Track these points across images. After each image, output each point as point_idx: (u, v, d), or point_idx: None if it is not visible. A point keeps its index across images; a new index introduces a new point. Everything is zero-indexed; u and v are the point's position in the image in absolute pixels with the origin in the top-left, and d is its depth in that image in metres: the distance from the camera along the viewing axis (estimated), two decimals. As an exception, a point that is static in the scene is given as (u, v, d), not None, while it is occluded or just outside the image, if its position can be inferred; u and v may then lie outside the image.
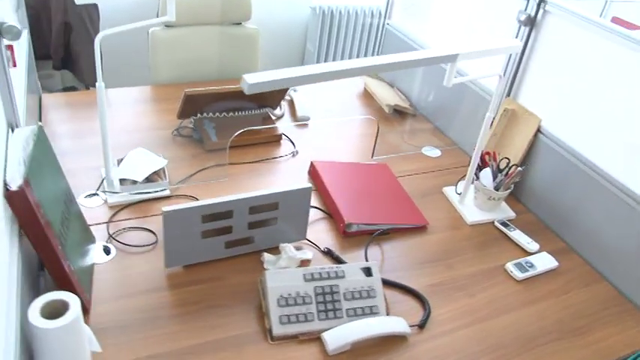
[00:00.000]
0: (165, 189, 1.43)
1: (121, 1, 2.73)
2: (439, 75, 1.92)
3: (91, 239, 1.24)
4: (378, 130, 1.87)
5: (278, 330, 1.07)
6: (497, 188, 1.49)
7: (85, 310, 1.08)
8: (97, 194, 1.40)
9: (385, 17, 2.25)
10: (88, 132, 1.65)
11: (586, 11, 1.39)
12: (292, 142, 1.75)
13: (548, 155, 1.51)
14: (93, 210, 1.35)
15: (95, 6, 2.38)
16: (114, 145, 1.58)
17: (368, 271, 1.18)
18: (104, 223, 1.32)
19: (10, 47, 1.15)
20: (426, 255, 1.37)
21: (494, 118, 1.64)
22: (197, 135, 1.68)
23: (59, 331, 0.82)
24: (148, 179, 1.43)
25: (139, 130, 1.71)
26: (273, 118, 1.84)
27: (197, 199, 1.41)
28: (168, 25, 2.04)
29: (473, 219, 1.49)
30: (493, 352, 1.13)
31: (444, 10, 1.95)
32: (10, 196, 0.91)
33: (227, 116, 1.72)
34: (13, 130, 1.12)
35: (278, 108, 1.89)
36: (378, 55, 1.82)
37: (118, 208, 1.36)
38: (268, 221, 1.24)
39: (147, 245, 1.27)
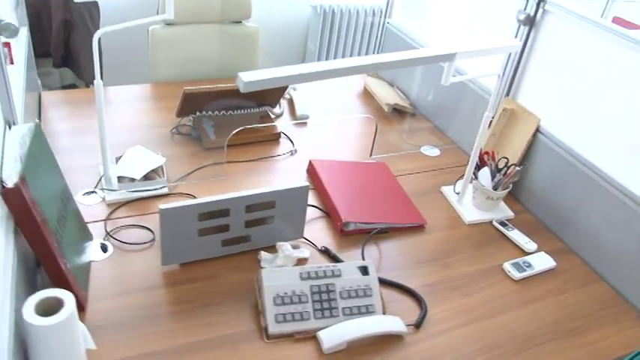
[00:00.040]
0: (163, 187, 1.43)
1: (122, -1, 2.73)
2: (439, 74, 1.91)
3: (89, 237, 1.24)
4: (376, 129, 1.87)
5: (274, 328, 1.07)
6: (495, 188, 1.48)
7: (82, 308, 1.08)
8: (95, 192, 1.40)
9: (385, 16, 2.25)
10: (87, 130, 1.65)
11: (587, 11, 1.39)
12: (291, 140, 1.75)
13: (547, 155, 1.51)
14: (91, 207, 1.35)
15: (95, 4, 2.38)
16: (113, 142, 1.58)
17: (364, 270, 1.18)
18: (102, 220, 1.32)
19: (7, 44, 1.15)
20: (424, 254, 1.36)
21: (493, 118, 1.63)
22: (196, 133, 1.68)
23: (53, 328, 0.82)
24: (146, 177, 1.43)
25: (138, 128, 1.71)
26: (273, 116, 1.84)
27: (195, 197, 1.41)
28: (168, 24, 2.04)
29: (471, 218, 1.49)
30: (489, 352, 1.13)
31: (443, 9, 1.94)
32: (5, 193, 0.91)
33: (226, 115, 1.72)
34: (10, 128, 1.12)
35: (277, 106, 1.89)
36: (378, 54, 1.81)
37: (116, 206, 1.37)
38: (265, 220, 1.24)
39: (144, 243, 1.27)
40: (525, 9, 1.53)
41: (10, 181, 0.91)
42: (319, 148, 1.73)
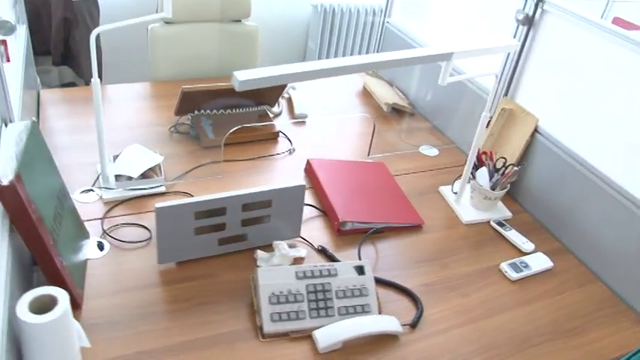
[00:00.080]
0: (160, 185, 1.43)
1: (122, -3, 2.73)
2: (438, 74, 1.90)
3: (85, 235, 1.24)
4: (374, 128, 1.86)
5: (269, 327, 1.07)
6: (493, 188, 1.48)
7: (77, 306, 1.08)
8: (93, 190, 1.40)
9: (385, 15, 2.25)
10: (86, 128, 1.65)
11: (587, 11, 1.38)
12: (289, 139, 1.75)
13: (545, 155, 1.51)
14: (88, 205, 1.35)
15: (95, 2, 2.39)
16: (111, 141, 1.58)
17: (360, 270, 1.18)
18: (99, 219, 1.32)
19: (3, 42, 1.15)
20: (421, 254, 1.36)
21: (491, 118, 1.63)
22: (194, 132, 1.68)
23: (47, 326, 0.82)
24: (144, 175, 1.43)
25: (137, 126, 1.71)
26: (271, 115, 1.84)
27: (192, 196, 1.41)
28: (167, 22, 2.04)
29: (469, 218, 1.49)
30: (486, 352, 1.13)
31: (443, 8, 1.94)
32: (0, 190, 0.91)
33: (224, 113, 1.72)
34: (6, 125, 1.12)
35: (276, 105, 1.88)
36: (377, 53, 1.81)
37: (113, 204, 1.37)
38: (262, 219, 1.24)
39: (141, 241, 1.27)
40: (524, 9, 1.52)
41: (5, 178, 0.91)
42: (317, 148, 1.73)
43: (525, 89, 1.59)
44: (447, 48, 1.18)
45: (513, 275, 1.32)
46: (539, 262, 1.38)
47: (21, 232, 0.96)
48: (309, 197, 1.50)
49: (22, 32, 1.66)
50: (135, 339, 1.04)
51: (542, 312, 1.25)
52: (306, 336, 1.09)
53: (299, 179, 1.56)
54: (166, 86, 1.98)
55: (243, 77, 0.87)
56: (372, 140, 1.78)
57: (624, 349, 1.18)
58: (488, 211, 1.52)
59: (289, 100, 1.99)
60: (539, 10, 1.50)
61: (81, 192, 1.39)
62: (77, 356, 0.92)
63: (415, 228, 1.45)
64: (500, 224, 1.48)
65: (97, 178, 1.43)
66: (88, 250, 1.22)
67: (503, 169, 1.48)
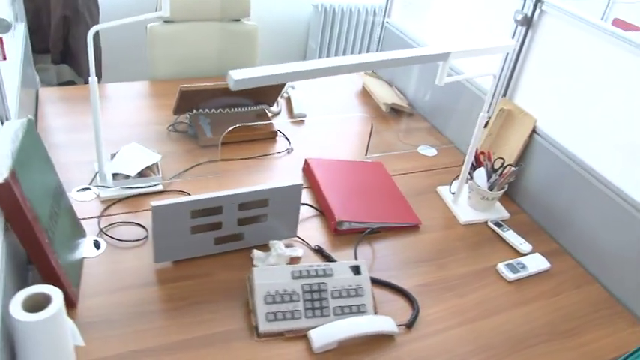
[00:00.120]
0: (157, 184, 1.43)
1: (122, -4, 2.73)
2: (437, 74, 1.91)
3: (82, 233, 1.24)
4: (372, 128, 1.86)
5: (264, 327, 1.07)
6: (491, 188, 1.48)
7: (73, 304, 1.08)
8: (90, 188, 1.40)
9: (385, 15, 2.25)
10: (84, 126, 1.65)
11: (587, 12, 1.38)
12: (287, 139, 1.74)
13: (543, 156, 1.50)
14: (85, 204, 1.35)
15: (95, 0, 2.38)
16: (110, 139, 1.58)
17: (357, 270, 1.17)
18: (96, 217, 1.32)
19: (0, 40, 1.15)
20: (418, 254, 1.36)
21: (489, 118, 1.63)
22: (192, 131, 1.68)
23: (40, 324, 0.82)
24: (141, 174, 1.43)
25: (136, 125, 1.71)
26: (270, 114, 1.84)
27: (189, 195, 1.41)
28: (167, 21, 2.04)
29: (466, 219, 1.49)
30: (482, 353, 1.13)
31: (442, 9, 1.94)
32: (-5, 188, 0.91)
33: (223, 112, 1.72)
34: (2, 123, 1.12)
35: (275, 105, 1.88)
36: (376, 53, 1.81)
37: (110, 203, 1.37)
38: (258, 218, 1.24)
39: (137, 240, 1.27)
40: (523, 9, 1.52)
41: (0, 176, 0.91)
42: (316, 147, 1.73)
43: (524, 90, 1.59)
44: (444, 48, 1.18)
45: (510, 276, 1.32)
46: (536, 262, 1.37)
47: (16, 230, 0.96)
48: (306, 197, 1.49)
49: (20, 30, 1.66)
50: (130, 337, 1.04)
51: (539, 313, 1.25)
52: (302, 336, 1.09)
53: (297, 179, 1.56)
54: (165, 85, 1.98)
55: (238, 76, 0.87)
56: (369, 140, 1.78)
57: (620, 351, 1.18)
58: (485, 212, 1.52)
59: (288, 100, 1.98)
60: (537, 11, 1.49)
61: (78, 190, 1.39)
62: (71, 355, 0.92)
63: (412, 228, 1.44)
64: (497, 225, 1.48)
65: (95, 176, 1.43)
66: (85, 249, 1.22)
67: (501, 169, 1.48)
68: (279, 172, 1.59)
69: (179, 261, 1.23)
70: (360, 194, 1.48)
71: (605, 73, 1.34)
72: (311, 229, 1.38)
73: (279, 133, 1.75)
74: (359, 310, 1.13)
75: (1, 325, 0.83)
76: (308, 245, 1.33)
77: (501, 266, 1.34)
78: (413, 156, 1.77)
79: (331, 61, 0.96)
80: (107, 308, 1.10)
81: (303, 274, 1.13)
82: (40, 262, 1.01)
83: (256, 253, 1.25)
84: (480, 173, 1.49)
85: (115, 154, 1.48)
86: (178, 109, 1.68)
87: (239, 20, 2.14)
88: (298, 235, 1.34)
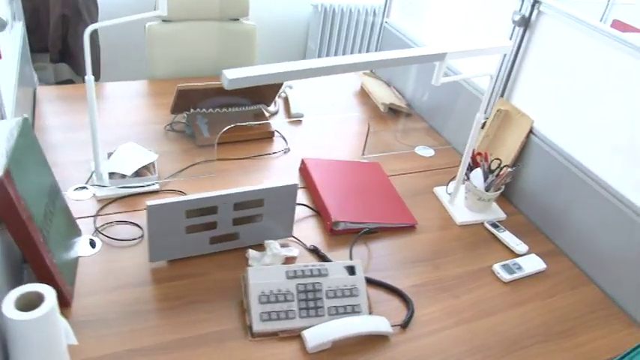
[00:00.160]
0: (154, 184, 1.43)
1: (121, -5, 2.73)
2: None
3: (77, 232, 1.24)
4: (368, 128, 1.86)
5: (258, 327, 1.07)
6: (487, 189, 1.48)
7: (67, 303, 1.08)
8: (86, 187, 1.40)
9: (384, 15, 2.25)
10: (81, 125, 1.65)
11: (586, 14, 1.38)
12: (284, 138, 1.74)
13: (540, 157, 1.50)
14: (81, 203, 1.35)
15: (94, -1, 2.39)
16: (107, 138, 1.58)
17: (351, 270, 1.17)
18: (91, 216, 1.32)
19: (-5, 38, 1.15)
20: (414, 255, 1.36)
21: (487, 119, 1.63)
22: (190, 130, 1.68)
23: (33, 323, 0.82)
24: (137, 173, 1.43)
25: (133, 124, 1.71)
26: (267, 114, 1.84)
27: (185, 194, 1.41)
28: (165, 20, 2.04)
29: (462, 219, 1.49)
30: (477, 354, 1.13)
31: (440, 9, 1.94)
32: (-11, 187, 0.91)
33: (220, 112, 1.72)
34: (-2, 122, 1.12)
35: (273, 105, 1.88)
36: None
37: (106, 202, 1.37)
38: (254, 218, 1.24)
39: (132, 239, 1.27)
40: (520, 10, 1.52)
41: (-5, 175, 0.91)
42: (313, 147, 1.73)
43: (521, 90, 1.59)
44: (440, 48, 1.17)
45: (506, 277, 1.32)
46: (532, 263, 1.37)
47: (10, 229, 0.96)
48: (303, 197, 1.49)
49: (18, 29, 1.67)
50: (125, 337, 1.04)
51: (534, 314, 1.24)
52: (296, 336, 1.09)
53: (293, 179, 1.55)
54: (164, 84, 1.98)
55: (232, 75, 0.87)
56: (366, 140, 1.78)
57: (615, 352, 1.18)
58: (482, 213, 1.52)
59: (286, 100, 1.98)
60: (535, 12, 1.49)
61: (74, 189, 1.39)
62: (64, 354, 0.92)
63: (408, 228, 1.44)
64: (494, 225, 1.48)
65: (91, 175, 1.43)
66: (80, 248, 1.22)
67: (498, 170, 1.47)
68: (276, 171, 1.59)
69: (174, 260, 1.23)
70: (357, 194, 1.48)
71: (603, 75, 1.34)
72: (307, 229, 1.38)
73: (276, 133, 1.75)
74: (353, 311, 1.13)
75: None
76: (304, 245, 1.32)
77: (497, 267, 1.34)
78: (410, 156, 1.77)
79: (325, 61, 0.96)
80: (102, 307, 1.10)
81: (297, 274, 1.13)
82: (35, 261, 1.01)
83: (252, 252, 1.25)
84: (477, 174, 1.49)
85: (111, 153, 1.48)
86: (176, 109, 1.68)
87: (238, 20, 2.14)
88: (294, 235, 1.34)
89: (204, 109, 1.70)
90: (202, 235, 1.21)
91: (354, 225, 1.38)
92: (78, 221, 1.27)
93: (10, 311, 0.82)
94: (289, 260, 1.27)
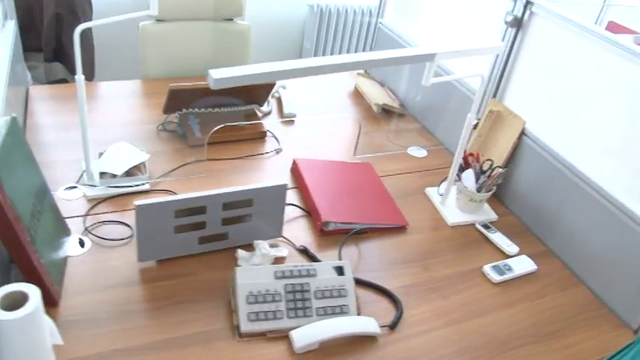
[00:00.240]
0: (144, 183, 1.43)
1: (115, -6, 2.73)
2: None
3: (66, 232, 1.24)
4: (360, 128, 1.86)
5: (246, 327, 1.07)
6: (479, 190, 1.48)
7: (55, 303, 1.08)
8: (77, 187, 1.40)
9: (378, 16, 2.25)
10: (73, 125, 1.65)
11: (580, 15, 1.37)
12: (277, 139, 1.74)
13: (532, 158, 1.50)
14: (72, 202, 1.35)
15: (88, -2, 2.39)
16: (100, 138, 1.58)
17: (340, 270, 1.17)
18: (81, 216, 1.31)
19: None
20: (404, 255, 1.36)
21: (479, 120, 1.63)
22: (182, 130, 1.67)
23: (17, 322, 0.81)
24: (128, 173, 1.42)
25: (126, 123, 1.71)
26: (260, 114, 1.83)
27: (176, 194, 1.41)
28: (159, 20, 2.03)
29: (454, 220, 1.49)
30: (465, 355, 1.13)
31: (434, 10, 1.94)
32: (-25, 186, 0.90)
33: (212, 112, 1.72)
34: (-14, 121, 1.11)
35: (265, 104, 1.88)
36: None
37: (97, 202, 1.36)
38: (243, 218, 1.24)
39: (121, 239, 1.27)
40: (513, 11, 1.52)
41: (-20, 174, 0.90)
42: (305, 147, 1.73)
43: (513, 91, 1.59)
44: (430, 48, 1.17)
45: (496, 278, 1.32)
46: (523, 265, 1.37)
47: (-4, 228, 0.96)
48: (294, 197, 1.49)
49: (10, 27, 1.66)
50: (110, 337, 1.04)
51: (524, 315, 1.24)
52: (284, 336, 1.09)
53: (285, 179, 1.55)
54: (157, 84, 1.98)
55: (218, 75, 0.87)
56: (357, 140, 1.78)
57: (604, 353, 1.17)
58: (473, 214, 1.52)
59: (279, 100, 1.98)
60: (527, 13, 1.49)
61: (65, 189, 1.39)
62: (50, 353, 0.91)
63: (399, 229, 1.44)
64: (485, 227, 1.48)
65: (82, 175, 1.43)
66: (69, 248, 1.22)
67: (490, 171, 1.47)
68: (268, 172, 1.59)
69: (164, 260, 1.23)
70: (348, 195, 1.48)
71: (595, 76, 1.33)
72: (297, 230, 1.38)
73: (268, 133, 1.75)
74: (342, 311, 1.13)
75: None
76: (293, 245, 1.32)
77: (487, 268, 1.34)
78: (403, 157, 1.77)
79: (313, 61, 0.96)
80: (90, 307, 1.09)
81: (286, 275, 1.13)
82: (21, 261, 1.00)
83: (241, 253, 1.25)
84: (469, 175, 1.49)
85: (102, 153, 1.48)
86: (168, 109, 1.67)
87: (232, 20, 2.14)
88: (284, 235, 1.34)
89: (196, 109, 1.70)
90: (191, 235, 1.21)
91: (345, 225, 1.38)
92: (68, 221, 1.27)
93: (-6, 311, 0.81)
94: (279, 260, 1.27)
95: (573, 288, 1.34)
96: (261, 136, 1.73)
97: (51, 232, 1.14)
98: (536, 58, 1.50)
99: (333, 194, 1.46)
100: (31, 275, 1.02)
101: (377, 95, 2.06)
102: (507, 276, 1.33)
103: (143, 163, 1.47)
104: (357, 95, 2.13)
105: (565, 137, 1.43)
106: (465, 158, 1.51)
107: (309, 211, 1.44)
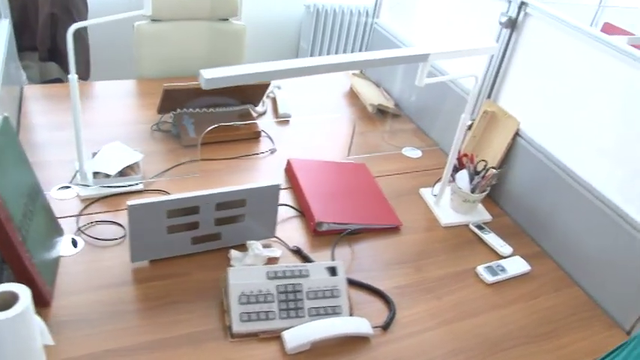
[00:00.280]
0: (137, 183, 1.42)
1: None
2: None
3: (58, 232, 1.23)
4: (354, 128, 1.86)
5: (238, 327, 1.07)
6: (473, 191, 1.48)
7: (46, 303, 1.07)
8: (70, 187, 1.39)
9: (374, 16, 2.25)
10: (67, 124, 1.64)
11: (576, 16, 1.37)
12: (271, 139, 1.74)
13: (526, 159, 1.50)
14: (65, 202, 1.35)
15: (83, -3, 2.38)
16: (94, 138, 1.57)
17: (333, 271, 1.17)
18: (74, 215, 1.31)
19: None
20: (397, 256, 1.36)
21: (473, 120, 1.63)
22: (176, 130, 1.67)
23: (6, 322, 0.81)
24: (122, 173, 1.42)
25: (121, 123, 1.70)
26: (255, 115, 1.83)
27: (169, 194, 1.40)
28: (154, 20, 2.03)
29: (447, 221, 1.49)
30: (458, 355, 1.13)
31: (429, 10, 1.94)
32: (-35, 186, 0.90)
33: (207, 112, 1.71)
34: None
35: (260, 105, 1.88)
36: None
37: (90, 202, 1.36)
38: (236, 218, 1.24)
39: (114, 239, 1.26)
40: (507, 12, 1.52)
41: (-29, 174, 0.90)
42: (300, 148, 1.73)
43: (508, 92, 1.59)
44: (423, 49, 1.17)
45: (489, 278, 1.32)
46: (516, 265, 1.37)
47: (-13, 228, 0.96)
48: (288, 197, 1.49)
49: (4, 27, 1.66)
50: (104, 337, 1.04)
51: (517, 316, 1.24)
52: (276, 336, 1.09)
53: (279, 179, 1.55)
54: (152, 84, 1.97)
55: (210, 75, 0.87)
56: (352, 141, 1.78)
57: (597, 354, 1.18)
58: (467, 214, 1.52)
59: (274, 100, 1.98)
60: (522, 14, 1.49)
61: (58, 189, 1.38)
62: (40, 354, 0.91)
63: (393, 230, 1.44)
64: (479, 227, 1.48)
65: (75, 174, 1.42)
66: (62, 248, 1.21)
67: (484, 172, 1.47)
68: (262, 172, 1.59)
69: (156, 260, 1.22)
70: (342, 195, 1.48)
71: (589, 77, 1.34)
72: (291, 230, 1.38)
73: (263, 133, 1.75)
74: (334, 312, 1.13)
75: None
76: (286, 246, 1.32)
77: (481, 269, 1.34)
78: (397, 157, 1.77)
79: (306, 61, 0.96)
80: (82, 307, 1.09)
81: (278, 275, 1.13)
82: (12, 261, 1.00)
83: (234, 253, 1.25)
84: (463, 175, 1.49)
85: (96, 153, 1.48)
86: (162, 109, 1.67)
87: (227, 20, 2.14)
88: (277, 235, 1.34)
89: (190, 109, 1.69)
90: (184, 236, 1.20)
91: (338, 226, 1.38)
92: (61, 221, 1.26)
93: (-17, 311, 0.81)
94: (272, 261, 1.27)
95: (567, 289, 1.34)
96: (255, 136, 1.73)
97: (43, 232, 1.13)
98: (530, 59, 1.50)
99: (327, 194, 1.46)
100: (23, 275, 1.01)
101: (372, 95, 2.06)
102: (501, 277, 1.33)
103: (137, 163, 1.46)
104: (352, 95, 2.13)
105: (559, 138, 1.43)
106: (459, 159, 1.52)
107: (303, 211, 1.44)
